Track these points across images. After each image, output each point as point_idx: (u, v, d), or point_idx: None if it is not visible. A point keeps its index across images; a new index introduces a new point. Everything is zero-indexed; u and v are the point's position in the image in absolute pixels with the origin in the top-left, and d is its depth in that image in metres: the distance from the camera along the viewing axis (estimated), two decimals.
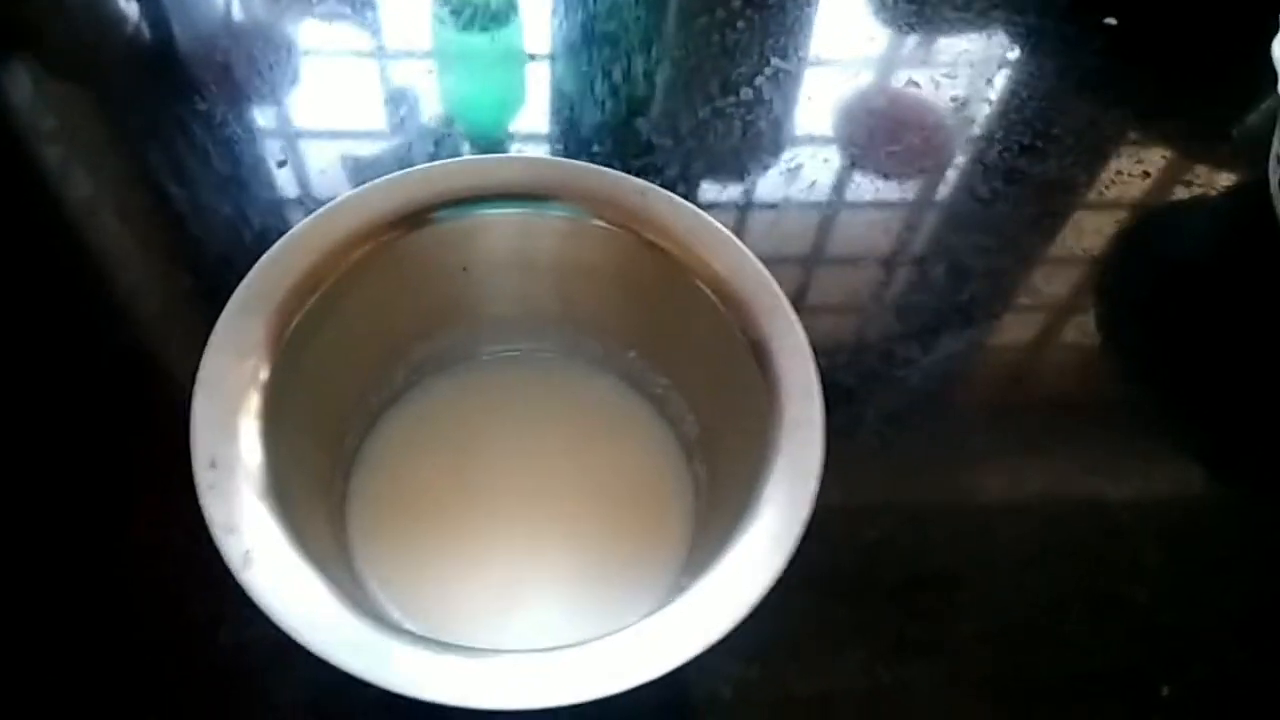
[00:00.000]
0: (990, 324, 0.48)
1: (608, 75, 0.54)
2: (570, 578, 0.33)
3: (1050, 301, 0.49)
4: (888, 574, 0.39)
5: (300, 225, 0.29)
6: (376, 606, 0.31)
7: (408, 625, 0.30)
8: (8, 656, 0.36)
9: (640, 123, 0.52)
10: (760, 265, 0.30)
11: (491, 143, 0.53)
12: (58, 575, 0.37)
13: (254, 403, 0.27)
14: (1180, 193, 0.53)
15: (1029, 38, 0.59)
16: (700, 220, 0.31)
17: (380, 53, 0.57)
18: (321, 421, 0.31)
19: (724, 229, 0.31)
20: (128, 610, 0.37)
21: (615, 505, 0.35)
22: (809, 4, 0.60)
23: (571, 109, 0.53)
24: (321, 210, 0.30)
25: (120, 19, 0.57)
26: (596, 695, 0.23)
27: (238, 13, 0.58)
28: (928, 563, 0.40)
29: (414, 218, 0.31)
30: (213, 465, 0.26)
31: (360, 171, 0.50)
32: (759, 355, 0.29)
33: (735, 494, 0.30)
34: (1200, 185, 0.53)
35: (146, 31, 0.56)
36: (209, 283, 0.45)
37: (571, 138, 0.51)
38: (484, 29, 0.57)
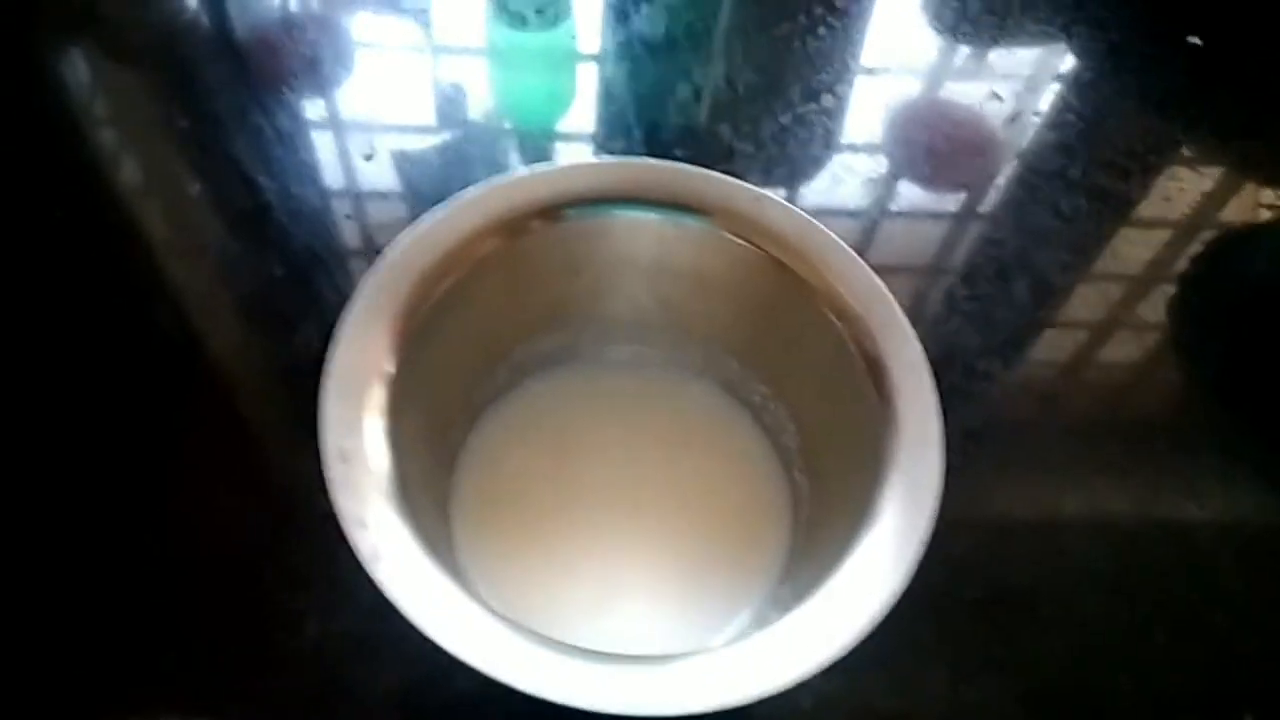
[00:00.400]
0: (1070, 340, 0.47)
1: (689, 78, 0.54)
2: (666, 580, 0.34)
3: (1130, 320, 0.48)
4: (970, 590, 0.39)
5: (423, 221, 0.30)
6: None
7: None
8: (95, 646, 0.36)
9: (723, 128, 0.52)
10: (876, 278, 0.30)
11: (545, 140, 0.53)
12: (141, 566, 0.38)
13: (379, 398, 0.28)
14: (1262, 214, 0.53)
15: (1111, 55, 0.58)
16: (815, 230, 0.31)
17: (434, 47, 0.57)
18: (432, 417, 0.31)
19: (839, 240, 0.31)
20: (213, 600, 0.37)
21: (711, 510, 0.35)
22: (888, 13, 0.60)
23: (651, 111, 0.53)
24: (442, 207, 0.30)
25: (179, 7, 0.58)
26: (730, 703, 0.24)
27: (294, 4, 0.59)
28: (1009, 580, 0.40)
29: (532, 219, 0.31)
30: (343, 459, 0.26)
31: (410, 165, 0.50)
32: (873, 369, 0.29)
33: (844, 507, 0.30)
34: None
35: (205, 20, 0.57)
36: (238, 266, 0.47)
37: (655, 141, 0.51)
38: (538, 27, 0.57)
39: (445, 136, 0.52)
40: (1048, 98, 0.56)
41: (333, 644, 0.36)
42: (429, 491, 0.32)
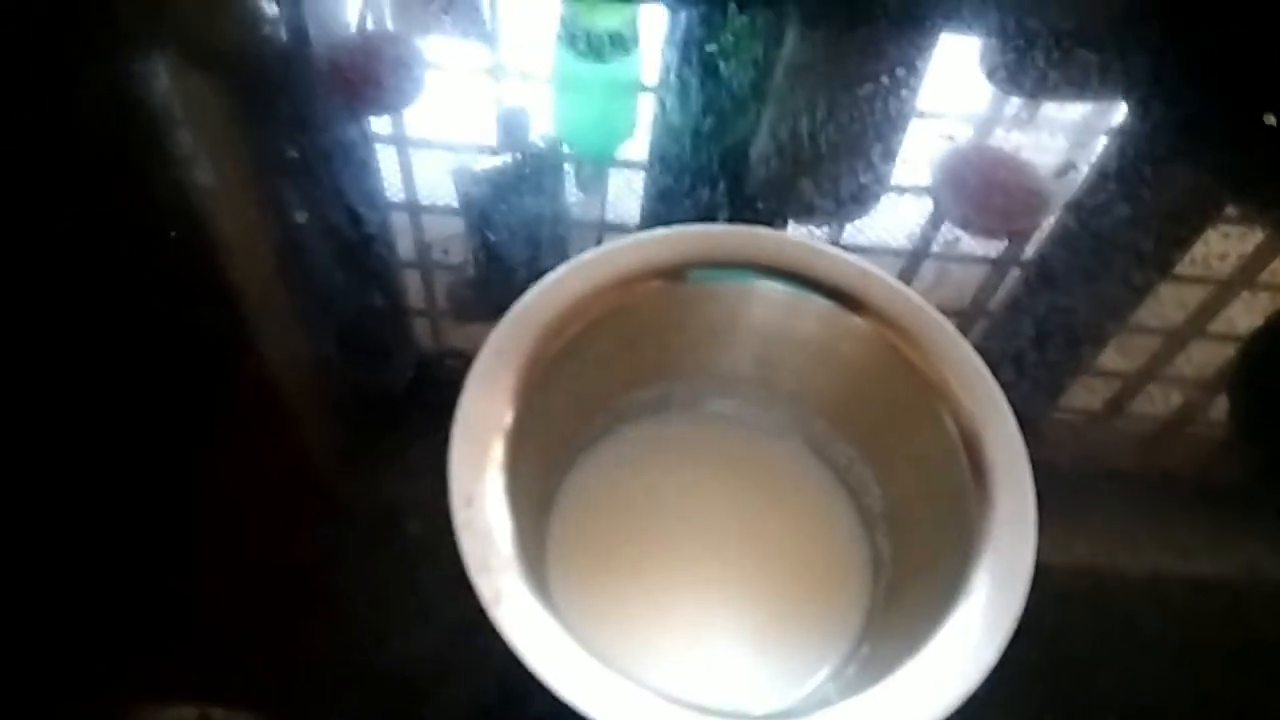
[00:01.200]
0: (1130, 403, 0.48)
1: (774, 133, 0.56)
2: (749, 628, 0.35)
3: (1192, 383, 0.49)
4: (1029, 654, 0.40)
5: (552, 275, 0.31)
6: None
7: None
8: (171, 659, 0.37)
9: (804, 183, 0.53)
10: (976, 357, 0.31)
11: (602, 170, 0.54)
12: (225, 583, 0.39)
13: (499, 446, 0.29)
14: None
15: (1187, 129, 0.59)
16: (919, 308, 0.32)
17: (500, 71, 0.58)
18: (538, 463, 0.33)
19: (942, 318, 0.32)
20: (296, 618, 0.38)
21: (793, 565, 0.36)
22: (974, 78, 0.61)
23: (733, 164, 0.55)
24: (572, 262, 0.32)
25: (259, 18, 0.60)
26: None
27: (371, 22, 0.61)
28: (1069, 646, 0.41)
29: (652, 279, 0.32)
30: (468, 504, 0.28)
31: (469, 192, 0.52)
32: (968, 443, 0.31)
33: (930, 576, 0.31)
34: None
35: (283, 32, 0.59)
36: (293, 274, 0.48)
37: (737, 194, 0.53)
38: (605, 56, 0.58)
39: (507, 159, 0.53)
40: (1118, 169, 0.57)
41: (413, 664, 0.37)
42: (532, 535, 0.33)
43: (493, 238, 0.50)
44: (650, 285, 0.32)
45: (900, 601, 0.33)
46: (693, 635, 0.35)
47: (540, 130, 0.55)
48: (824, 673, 0.34)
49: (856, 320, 0.33)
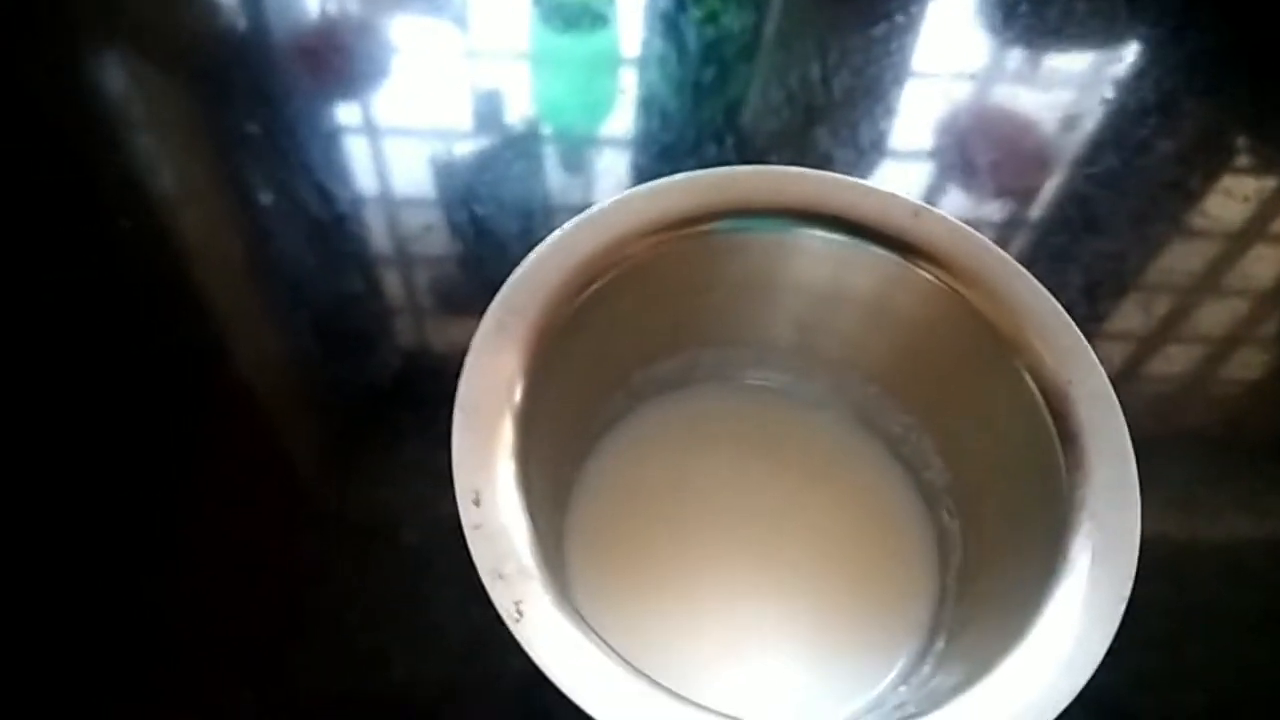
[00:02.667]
0: (1195, 358, 0.44)
1: (783, 82, 0.52)
2: (798, 629, 0.31)
3: (1253, 336, 0.45)
4: None
5: (552, 237, 0.27)
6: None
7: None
8: (171, 680, 0.34)
9: (819, 132, 0.49)
10: (1053, 300, 0.27)
11: (587, 145, 0.51)
12: (221, 600, 0.36)
13: (509, 428, 0.25)
14: None
15: (1221, 59, 0.55)
16: (984, 249, 0.28)
17: (474, 52, 0.55)
18: (552, 450, 0.29)
19: (1012, 259, 0.27)
20: (296, 638, 0.35)
21: (846, 551, 0.32)
22: (1009, 18, 0.57)
23: (744, 115, 0.50)
24: (580, 216, 0.27)
25: (217, 9, 0.56)
26: None
27: (333, 8, 0.57)
28: (1151, 625, 0.37)
29: (667, 232, 0.28)
30: (476, 502, 0.24)
31: (448, 171, 0.49)
32: (1052, 402, 0.26)
33: (1014, 557, 0.27)
34: None
35: (243, 23, 0.56)
36: (275, 276, 0.45)
37: (749, 146, 0.48)
38: (583, 29, 0.55)
39: (485, 141, 0.50)
40: (1143, 101, 0.52)
41: (417, 687, 0.34)
42: (548, 528, 0.29)
43: (477, 219, 0.46)
44: (671, 239, 0.28)
45: (977, 587, 0.29)
46: (736, 642, 0.30)
47: (520, 109, 0.51)
48: (891, 676, 0.29)
49: (914, 269, 0.28)
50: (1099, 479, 0.25)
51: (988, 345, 0.27)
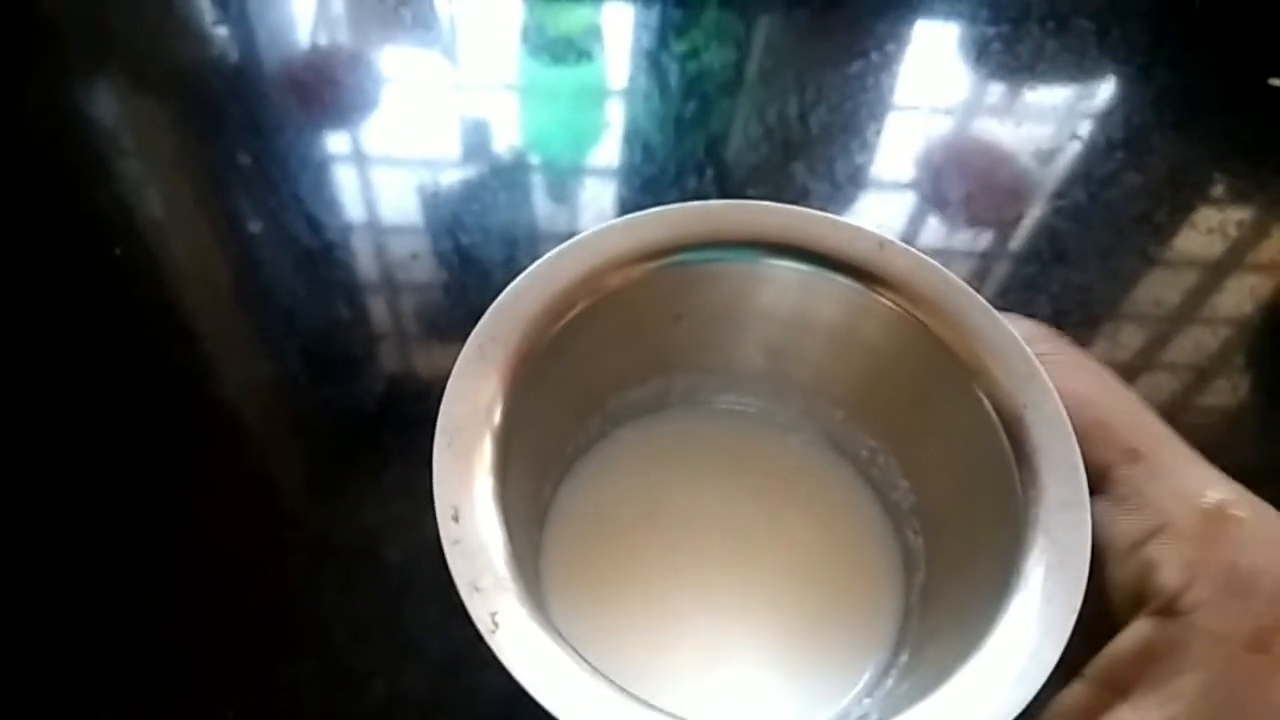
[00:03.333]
0: (1151, 381, 0.46)
1: (762, 117, 0.53)
2: (770, 643, 0.31)
3: (1220, 368, 0.47)
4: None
5: (532, 268, 0.28)
6: None
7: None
8: (156, 700, 0.35)
9: (797, 166, 0.51)
10: (1011, 329, 0.28)
11: (574, 176, 0.52)
12: (205, 622, 0.37)
13: (488, 453, 0.26)
14: None
15: (1189, 96, 0.57)
16: (945, 280, 0.29)
17: (462, 83, 0.57)
18: (530, 472, 0.30)
19: (968, 287, 0.29)
20: (279, 659, 0.36)
21: (816, 569, 0.33)
22: (982, 55, 0.58)
23: (724, 149, 0.52)
24: (560, 247, 0.28)
25: (207, 38, 0.58)
26: None
27: (323, 37, 0.59)
28: None
29: (642, 262, 0.29)
30: (455, 519, 0.24)
31: (435, 200, 0.50)
32: (1009, 426, 0.27)
33: (972, 573, 0.28)
34: None
35: (233, 52, 0.57)
36: (265, 303, 0.46)
37: (729, 179, 0.50)
38: (569, 64, 0.56)
39: (472, 171, 0.51)
40: (1116, 135, 0.54)
41: (400, 704, 0.35)
42: (527, 550, 0.30)
43: (462, 247, 0.48)
44: (646, 269, 0.29)
45: (939, 603, 0.30)
46: (708, 654, 0.31)
47: (506, 140, 0.53)
48: (857, 688, 0.30)
49: (878, 298, 0.29)
50: (1052, 497, 0.26)
51: (949, 371, 0.29)
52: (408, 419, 0.42)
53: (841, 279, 0.30)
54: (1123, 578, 0.25)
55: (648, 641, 0.31)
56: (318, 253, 0.47)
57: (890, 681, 0.29)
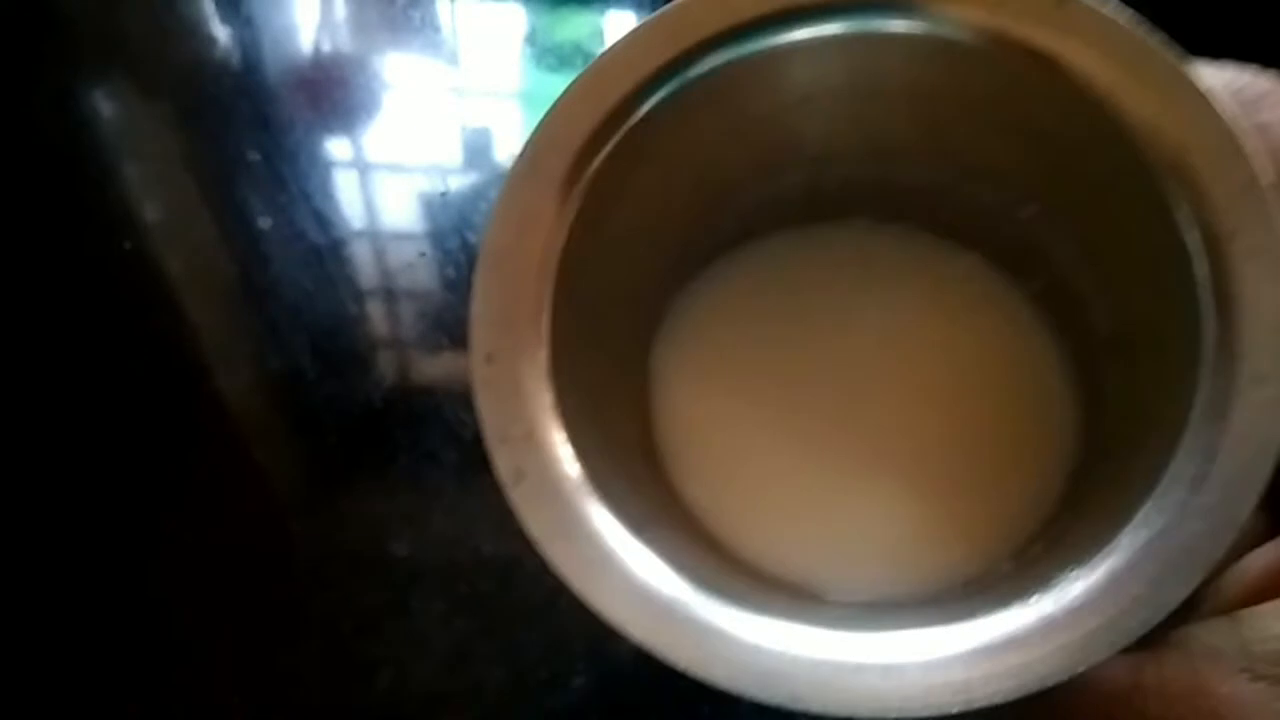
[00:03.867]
0: None
1: None
2: (918, 499, 0.25)
3: None
4: None
5: (597, 59, 0.21)
6: (688, 518, 0.24)
7: (727, 545, 0.24)
8: (162, 696, 0.35)
9: None
10: (1232, 124, 0.20)
11: None
12: (216, 612, 0.37)
13: (543, 283, 0.20)
14: None
15: None
16: (1146, 50, 0.20)
17: (465, 90, 0.57)
18: (625, 290, 0.24)
19: (1182, 65, 0.21)
20: (285, 649, 0.36)
21: (980, 415, 0.26)
22: None
23: None
24: (617, 43, 0.21)
25: (211, 41, 0.57)
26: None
27: (327, 43, 0.58)
28: None
29: (733, 40, 0.21)
30: (488, 360, 0.19)
31: (442, 200, 0.50)
32: (1212, 251, 0.20)
33: (1144, 444, 0.20)
34: None
35: (243, 52, 0.56)
36: (273, 298, 0.46)
37: None
38: (575, 68, 0.53)
39: (473, 178, 0.51)
40: None
41: (406, 696, 0.35)
42: (621, 380, 0.25)
43: (470, 246, 0.47)
44: (713, 59, 0.21)
45: (1105, 469, 0.23)
46: (850, 505, 0.25)
47: (511, 144, 0.52)
48: (1017, 541, 0.24)
49: (1058, 73, 0.21)
50: (1245, 366, 0.18)
51: (1137, 174, 0.21)
52: (414, 414, 0.42)
53: (1009, 46, 0.22)
54: None
55: (774, 496, 0.25)
56: (326, 249, 0.47)
57: (1038, 547, 0.23)
